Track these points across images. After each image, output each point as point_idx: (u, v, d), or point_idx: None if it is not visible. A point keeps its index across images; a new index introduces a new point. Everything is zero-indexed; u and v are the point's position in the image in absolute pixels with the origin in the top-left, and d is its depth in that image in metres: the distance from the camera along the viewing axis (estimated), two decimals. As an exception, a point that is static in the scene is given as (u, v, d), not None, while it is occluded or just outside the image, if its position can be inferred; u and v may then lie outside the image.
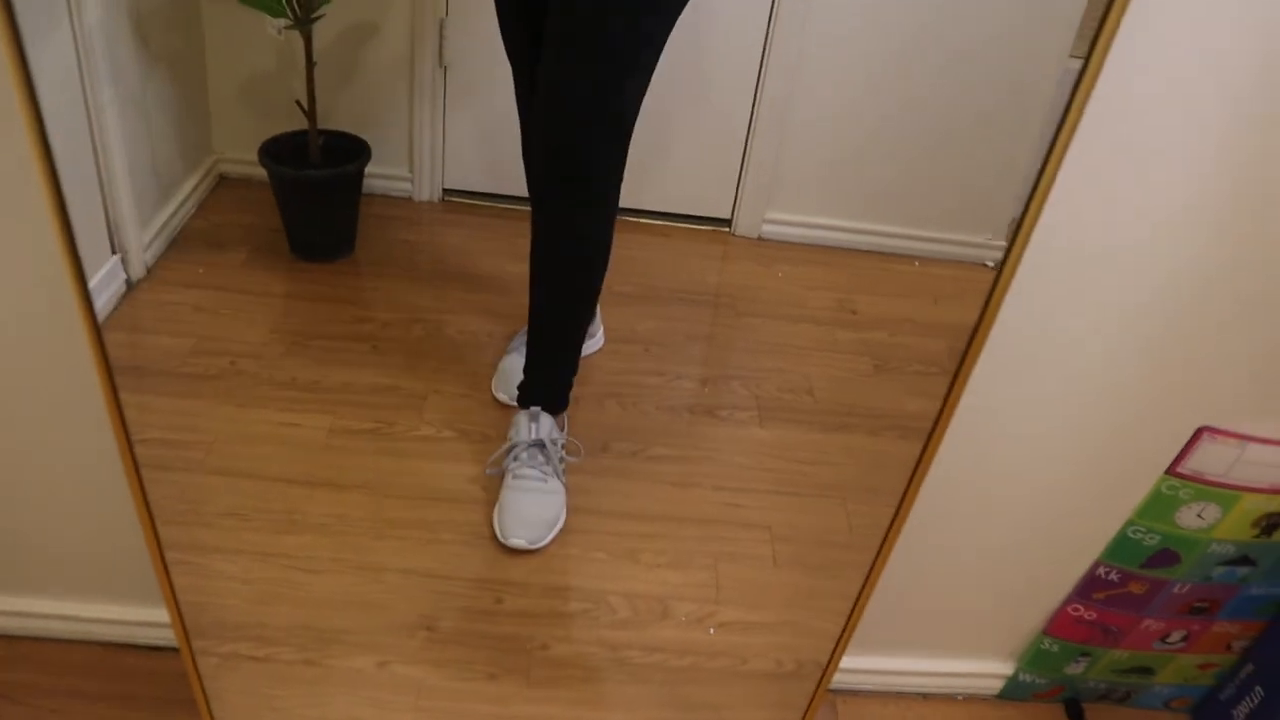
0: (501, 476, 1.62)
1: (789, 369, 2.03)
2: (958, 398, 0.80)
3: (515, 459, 1.61)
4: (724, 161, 2.40)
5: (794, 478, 1.77)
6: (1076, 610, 1.29)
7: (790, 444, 1.84)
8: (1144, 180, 0.93)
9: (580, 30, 1.31)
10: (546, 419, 1.64)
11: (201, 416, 1.70)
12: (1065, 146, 0.69)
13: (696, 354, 2.04)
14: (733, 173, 2.39)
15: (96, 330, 0.81)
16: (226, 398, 1.74)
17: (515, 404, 1.71)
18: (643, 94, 1.39)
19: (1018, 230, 0.72)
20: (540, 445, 1.61)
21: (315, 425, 1.72)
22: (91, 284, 1.81)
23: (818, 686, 1.13)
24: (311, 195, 2.04)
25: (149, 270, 1.99)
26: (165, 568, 0.99)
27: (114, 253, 1.88)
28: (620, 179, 1.45)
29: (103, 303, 1.84)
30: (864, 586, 1.02)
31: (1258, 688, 1.34)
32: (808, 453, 1.83)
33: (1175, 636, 1.32)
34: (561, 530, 1.59)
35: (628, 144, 1.41)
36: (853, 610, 1.06)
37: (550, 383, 1.67)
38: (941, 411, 0.82)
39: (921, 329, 2.20)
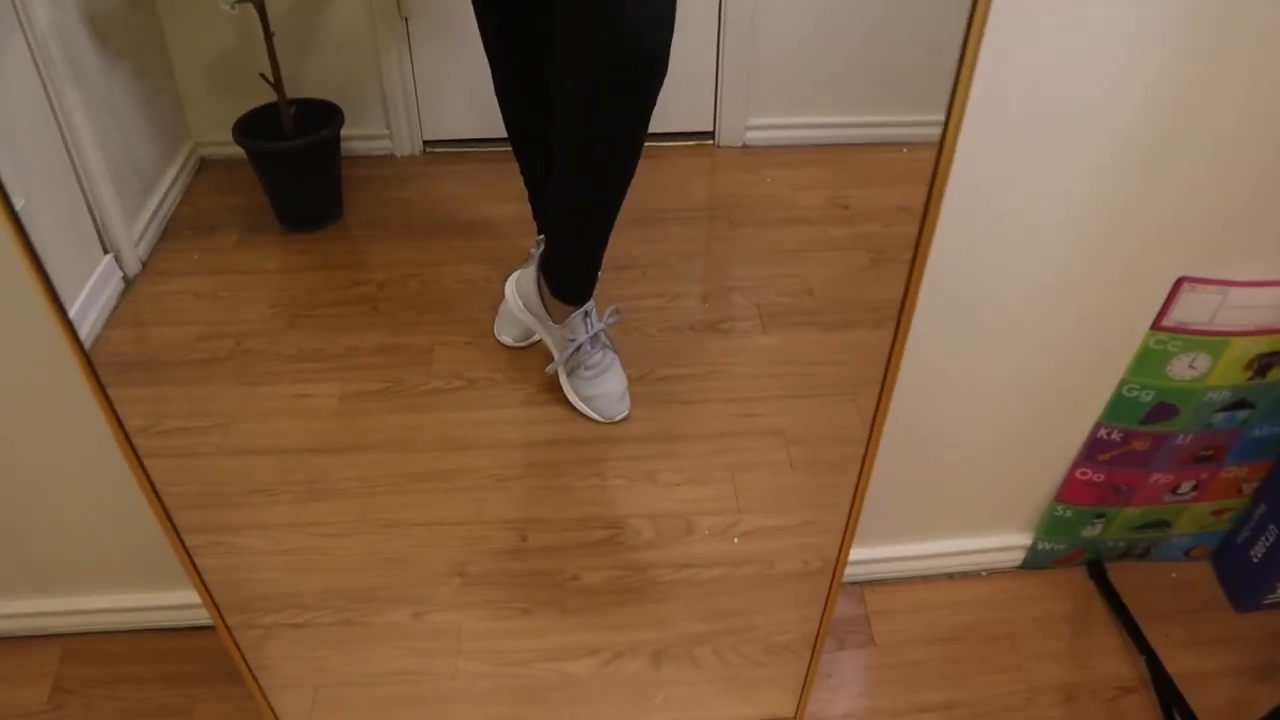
0: (566, 371, 1.70)
1: (786, 273, 2.03)
2: (919, 276, 0.80)
3: (583, 351, 1.68)
4: (699, 72, 2.37)
5: (802, 380, 1.78)
6: (1084, 474, 1.31)
7: (795, 347, 1.85)
8: (1085, 26, 0.92)
9: None
10: (593, 311, 1.70)
11: (215, 400, 1.73)
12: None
13: (694, 271, 2.05)
14: (709, 83, 2.37)
15: (71, 329, 0.83)
16: (237, 378, 1.78)
17: (517, 345, 1.74)
18: None
19: (953, 96, 0.71)
20: (600, 333, 1.70)
21: (327, 393, 1.75)
22: (87, 286, 1.84)
23: (831, 581, 1.16)
24: (290, 166, 2.05)
25: (144, 264, 2.02)
26: (186, 550, 1.03)
27: (106, 252, 1.91)
28: None
29: (103, 302, 1.87)
30: (860, 476, 1.04)
31: (1271, 526, 1.35)
32: (813, 354, 1.84)
33: (1185, 487, 1.34)
34: (580, 460, 1.62)
35: None
36: (853, 502, 1.07)
37: (590, 273, 1.70)
38: (906, 291, 0.83)
39: (916, 215, 2.17)
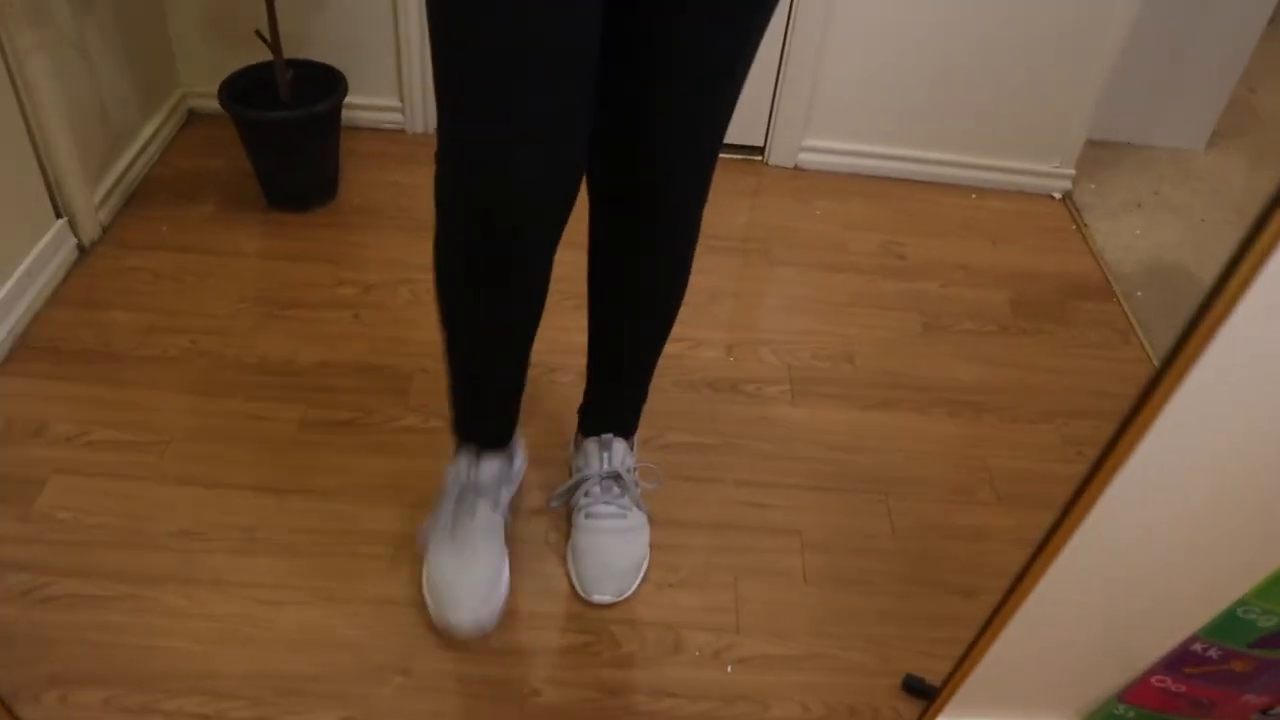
0: (567, 513, 1.41)
1: (826, 330, 1.79)
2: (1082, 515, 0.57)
3: (586, 495, 1.37)
4: (756, 80, 2.10)
5: (829, 469, 1.55)
6: (1162, 681, 1.08)
7: (825, 426, 1.62)
8: None
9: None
10: (620, 445, 1.39)
11: (158, 411, 1.51)
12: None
13: (722, 314, 1.81)
14: (766, 93, 2.11)
15: None
16: (187, 386, 1.55)
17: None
18: None
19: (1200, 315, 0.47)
20: (616, 477, 1.37)
21: (286, 416, 1.52)
22: (33, 254, 1.61)
23: None
24: (281, 139, 1.81)
25: (104, 230, 1.79)
26: None
27: (59, 216, 1.68)
28: None
29: (49, 274, 1.65)
30: (969, 651, 0.80)
31: (1375, 760, 1.13)
32: (845, 436, 1.60)
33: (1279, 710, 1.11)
34: (559, 541, 1.40)
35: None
36: (950, 677, 0.84)
37: (627, 400, 1.40)
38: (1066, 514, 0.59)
39: (977, 277, 1.94)
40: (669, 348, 1.29)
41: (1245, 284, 0.44)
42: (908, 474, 1.56)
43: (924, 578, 1.42)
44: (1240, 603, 0.95)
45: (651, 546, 1.40)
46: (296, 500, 1.41)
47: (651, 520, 1.41)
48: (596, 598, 1.32)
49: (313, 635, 1.27)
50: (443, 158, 0.98)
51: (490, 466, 1.30)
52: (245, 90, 1.79)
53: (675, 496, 1.48)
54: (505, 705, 1.23)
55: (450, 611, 1.24)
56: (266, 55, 1.78)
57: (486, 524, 1.29)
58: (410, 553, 1.35)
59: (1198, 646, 1.02)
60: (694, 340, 1.73)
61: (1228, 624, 0.98)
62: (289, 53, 1.79)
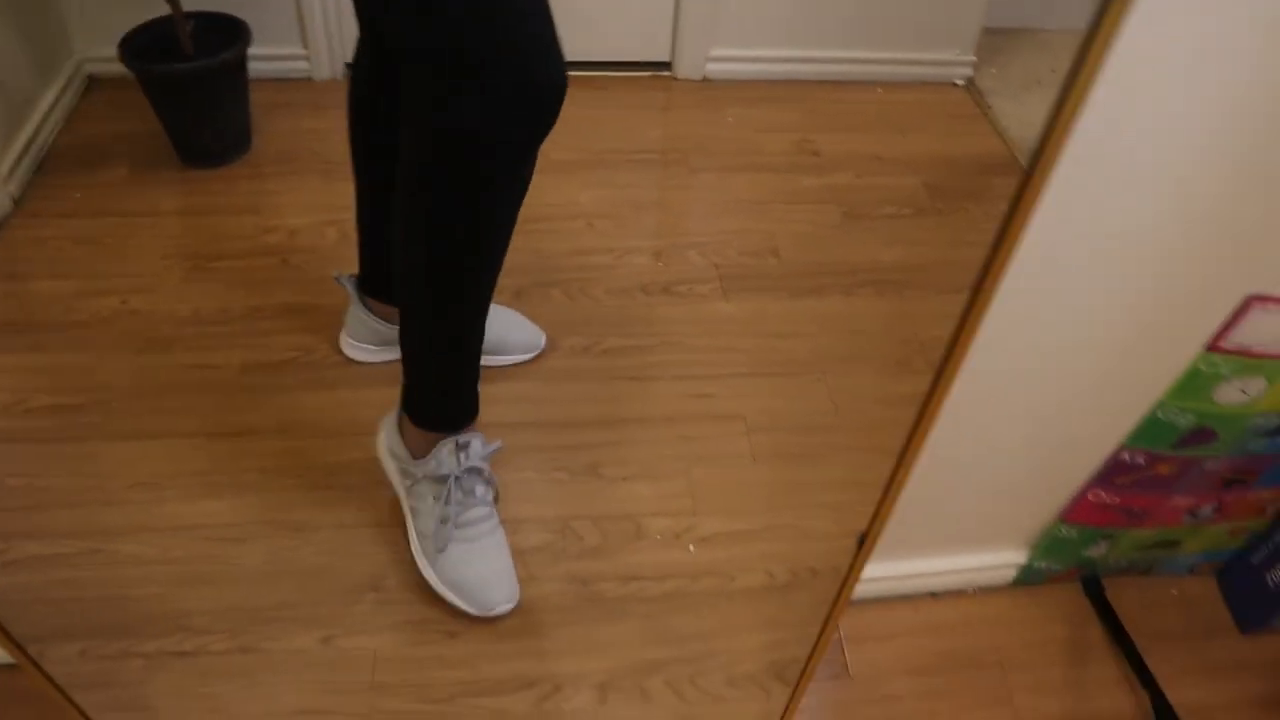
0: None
1: (750, 228, 1.83)
2: (980, 314, 0.61)
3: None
4: (655, -5, 2.12)
5: (766, 356, 1.60)
6: (1097, 495, 1.15)
7: (758, 317, 1.66)
8: (1181, 47, 0.72)
9: None
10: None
11: (96, 372, 1.50)
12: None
13: (647, 223, 1.83)
14: (668, 6, 2.12)
15: None
16: (122, 344, 1.54)
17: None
18: None
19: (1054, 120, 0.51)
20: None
21: (226, 363, 1.52)
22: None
23: (832, 609, 0.96)
24: (189, 92, 1.78)
25: (16, 203, 1.76)
26: None
27: (-33, 190, 1.64)
28: None
29: (-36, 250, 1.62)
30: (887, 489, 0.84)
31: (1298, 551, 1.21)
32: (778, 324, 1.65)
33: (1206, 509, 1.18)
34: (513, 450, 1.42)
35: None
36: (875, 515, 0.88)
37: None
38: (962, 324, 0.63)
39: (890, 165, 1.99)
40: (600, 257, 1.29)
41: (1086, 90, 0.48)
42: (842, 353, 1.61)
43: (869, 445, 1.48)
44: (1159, 405, 1.01)
45: (603, 443, 1.44)
46: (247, 441, 1.42)
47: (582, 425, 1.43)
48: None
49: (281, 565, 1.29)
50: (493, 57, 0.91)
51: (477, 442, 1.24)
52: (145, 47, 1.76)
53: (621, 396, 1.52)
54: (479, 606, 1.26)
55: (488, 600, 1.22)
56: (163, 11, 1.75)
57: (484, 500, 1.25)
58: (370, 477, 1.36)
59: (1125, 455, 1.08)
60: (622, 250, 1.76)
61: (1150, 428, 1.04)
62: (187, 6, 1.76)
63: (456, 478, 1.22)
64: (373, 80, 1.24)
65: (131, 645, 1.20)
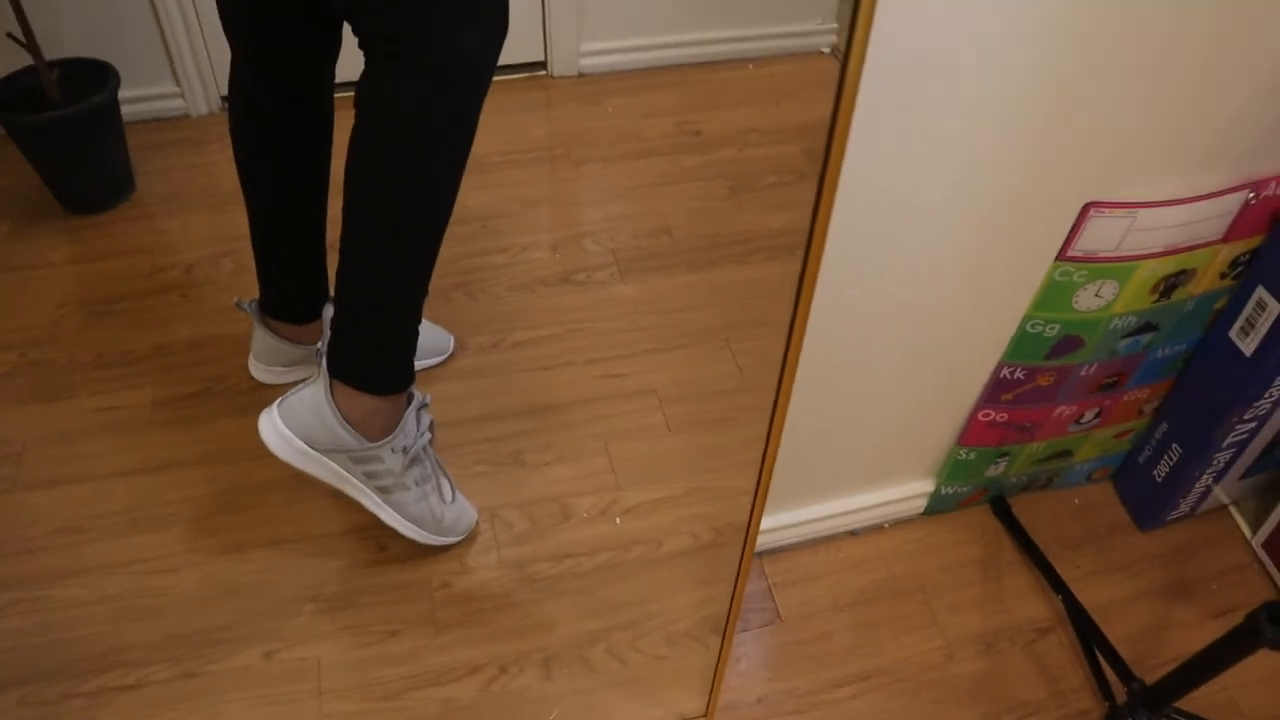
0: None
1: (641, 211, 1.88)
2: (827, 219, 0.66)
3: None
4: (522, -3, 2.16)
5: (670, 330, 1.64)
6: (987, 415, 1.21)
7: (658, 294, 1.71)
8: None
9: None
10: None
11: (3, 426, 1.48)
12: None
13: (539, 219, 1.87)
14: (535, 6, 2.16)
15: None
16: (26, 396, 1.53)
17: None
18: None
19: (854, 24, 0.56)
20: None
21: (136, 402, 1.52)
22: None
23: (741, 559, 1.02)
24: (63, 140, 1.77)
25: (-104, 271, 1.73)
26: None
27: None
28: None
29: None
30: (769, 436, 0.90)
31: (1174, 445, 1.29)
32: (678, 299, 1.70)
33: (1089, 416, 1.26)
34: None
35: None
36: (762, 467, 0.94)
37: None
38: (811, 236, 0.68)
39: (770, 136, 2.06)
40: (497, 256, 1.32)
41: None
42: (743, 318, 1.67)
43: (776, 402, 1.53)
44: (1027, 318, 1.08)
45: (522, 433, 1.48)
46: (167, 474, 1.42)
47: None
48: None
49: (215, 589, 1.30)
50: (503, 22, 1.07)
51: (426, 398, 1.28)
52: (9, 99, 1.75)
53: (534, 386, 1.55)
54: (417, 603, 1.29)
55: (465, 523, 1.34)
56: (25, 63, 1.74)
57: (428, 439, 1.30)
58: (299, 490, 1.38)
59: (1005, 372, 1.15)
60: (519, 247, 1.79)
61: (1022, 342, 1.11)
62: (49, 55, 1.75)
63: (421, 443, 1.27)
64: (258, 100, 1.26)
65: (72, 686, 1.20)
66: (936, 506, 1.37)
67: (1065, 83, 0.86)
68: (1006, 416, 1.21)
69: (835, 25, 2.29)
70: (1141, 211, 0.96)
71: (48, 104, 1.75)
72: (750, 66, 2.28)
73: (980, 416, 1.21)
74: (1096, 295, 1.05)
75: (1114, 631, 1.27)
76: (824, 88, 2.21)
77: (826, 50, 2.32)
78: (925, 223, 0.95)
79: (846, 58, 0.58)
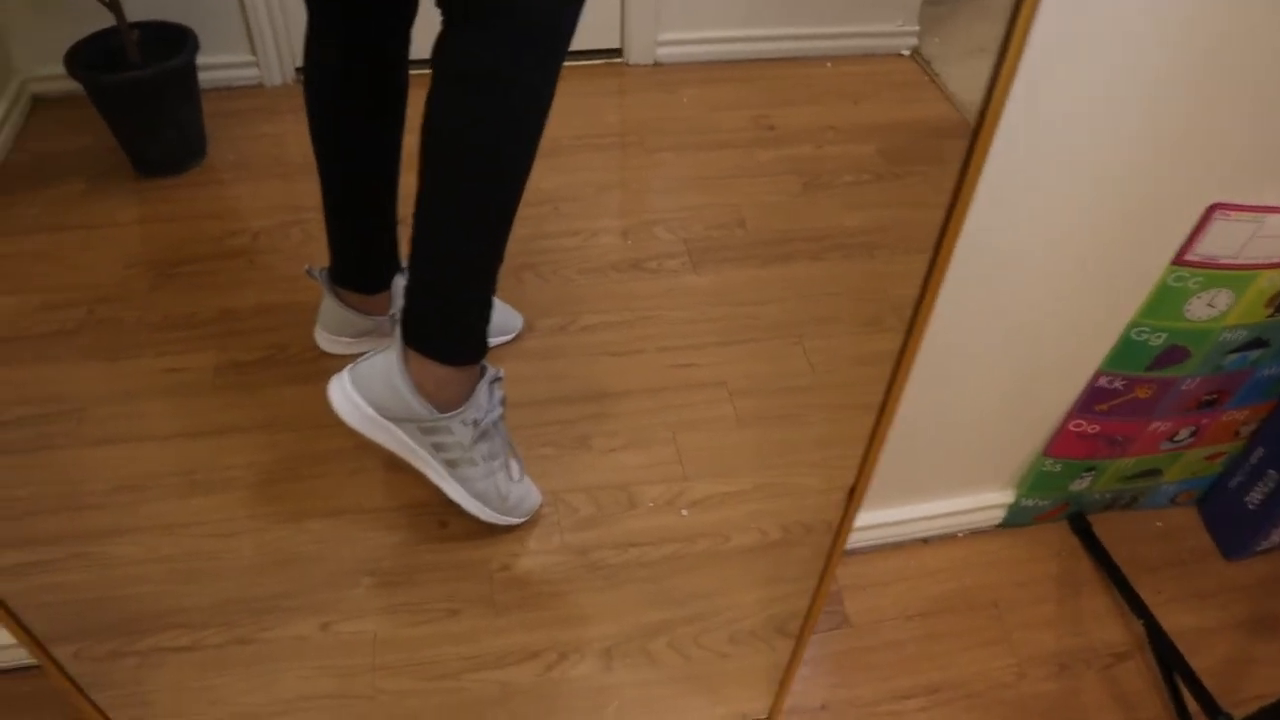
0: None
1: (714, 202, 1.84)
2: (954, 237, 0.63)
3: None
4: (602, -17, 2.14)
5: (741, 323, 1.61)
6: (1079, 426, 1.17)
7: (730, 286, 1.67)
8: None
9: None
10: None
11: (66, 382, 1.48)
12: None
13: (612, 204, 1.84)
14: (614, -6, 2.14)
15: None
16: (91, 353, 1.52)
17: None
18: None
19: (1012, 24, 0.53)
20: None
21: (199, 365, 1.51)
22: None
23: (828, 560, 0.98)
24: (140, 101, 1.77)
25: (-30, 222, 1.73)
26: None
27: (-81, 210, 1.61)
28: None
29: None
30: (872, 436, 0.86)
31: (1270, 471, 1.24)
32: (750, 293, 1.66)
33: (1184, 434, 1.21)
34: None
35: None
36: (861, 467, 0.90)
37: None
38: (937, 251, 0.65)
39: (846, 135, 2.02)
40: (569, 240, 1.30)
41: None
42: (815, 315, 1.63)
43: (850, 403, 1.49)
44: (1133, 325, 1.03)
45: (589, 417, 1.45)
46: (228, 439, 1.41)
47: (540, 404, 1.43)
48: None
49: (273, 556, 1.28)
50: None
51: (499, 372, 1.25)
52: (91, 60, 1.74)
53: (603, 371, 1.52)
54: (477, 584, 1.26)
55: (529, 504, 1.32)
56: (107, 24, 1.73)
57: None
58: (361, 462, 1.36)
59: (1104, 380, 1.10)
60: (590, 231, 1.77)
61: (1125, 350, 1.06)
62: (132, 17, 1.74)
63: (493, 419, 1.24)
64: (335, 68, 1.24)
65: (125, 644, 1.18)
66: (1013, 519, 1.33)
67: (1198, 81, 0.82)
68: (1099, 428, 1.17)
69: (917, 27, 2.25)
70: (1270, 217, 0.91)
71: (127, 64, 1.75)
72: (828, 65, 2.24)
73: (1071, 427, 1.17)
74: (1209, 305, 1.00)
75: (1194, 663, 1.22)
76: (903, 88, 2.17)
77: (906, 53, 2.28)
78: (1042, 214, 0.91)
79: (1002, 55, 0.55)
